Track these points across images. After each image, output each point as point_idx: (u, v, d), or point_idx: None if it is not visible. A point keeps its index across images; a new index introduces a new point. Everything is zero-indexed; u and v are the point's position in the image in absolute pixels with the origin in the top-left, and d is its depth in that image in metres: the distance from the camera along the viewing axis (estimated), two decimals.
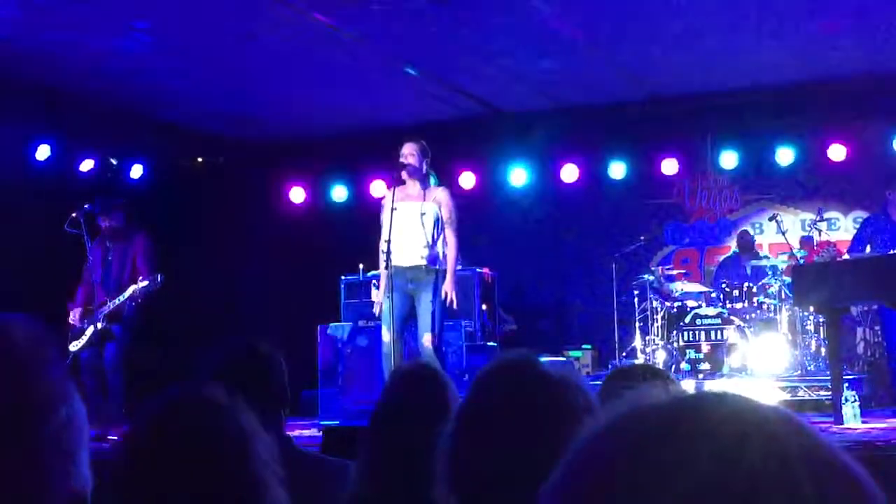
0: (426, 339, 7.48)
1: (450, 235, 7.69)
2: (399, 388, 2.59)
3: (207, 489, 1.46)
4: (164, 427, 1.53)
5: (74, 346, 8.49)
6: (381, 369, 8.04)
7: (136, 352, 8.80)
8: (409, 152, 7.64)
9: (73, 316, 8.62)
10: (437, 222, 7.64)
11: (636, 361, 10.51)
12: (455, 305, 7.64)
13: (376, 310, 7.76)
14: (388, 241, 7.41)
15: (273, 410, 3.18)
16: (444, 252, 7.67)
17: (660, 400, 0.74)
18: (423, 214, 7.56)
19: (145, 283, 8.35)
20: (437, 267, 7.58)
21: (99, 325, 8.45)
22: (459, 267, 8.10)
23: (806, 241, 10.95)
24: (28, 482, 1.10)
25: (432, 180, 7.78)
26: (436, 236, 7.62)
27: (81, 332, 8.53)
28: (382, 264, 7.56)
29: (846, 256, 9.04)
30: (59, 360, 1.19)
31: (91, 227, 8.56)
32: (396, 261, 7.51)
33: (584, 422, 1.68)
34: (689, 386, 9.49)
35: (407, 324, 7.70)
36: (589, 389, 1.79)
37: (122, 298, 8.38)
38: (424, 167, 7.68)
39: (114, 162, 8.89)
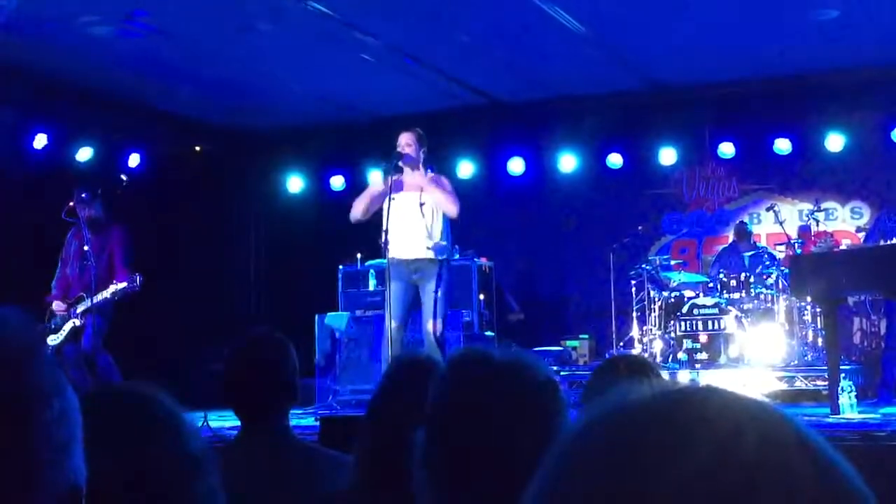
0: (430, 326, 7.49)
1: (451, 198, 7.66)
2: (397, 379, 2.59)
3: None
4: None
5: (53, 340, 8.38)
6: (379, 359, 8.05)
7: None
8: (405, 142, 7.62)
9: (56, 308, 8.49)
10: (438, 211, 7.63)
11: (633, 351, 10.52)
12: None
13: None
14: (386, 231, 7.40)
15: (273, 403, 3.20)
16: (448, 241, 7.66)
17: (648, 394, 0.74)
18: (422, 205, 7.54)
19: (123, 284, 8.17)
20: (441, 257, 7.57)
21: (77, 322, 8.34)
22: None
23: (803, 231, 10.95)
24: (22, 476, 1.11)
25: (429, 170, 7.76)
26: (438, 227, 7.60)
27: (59, 326, 8.41)
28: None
29: (843, 246, 9.05)
30: (50, 352, 1.19)
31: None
32: (399, 253, 7.50)
33: (548, 397, 1.70)
34: (685, 377, 9.50)
35: (410, 313, 7.69)
36: (546, 367, 1.81)
37: (99, 298, 8.21)
38: (422, 156, 7.67)
39: (124, 178, 8.73)
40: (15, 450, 1.09)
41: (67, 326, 8.36)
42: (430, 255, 7.52)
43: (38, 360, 1.15)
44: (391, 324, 7.49)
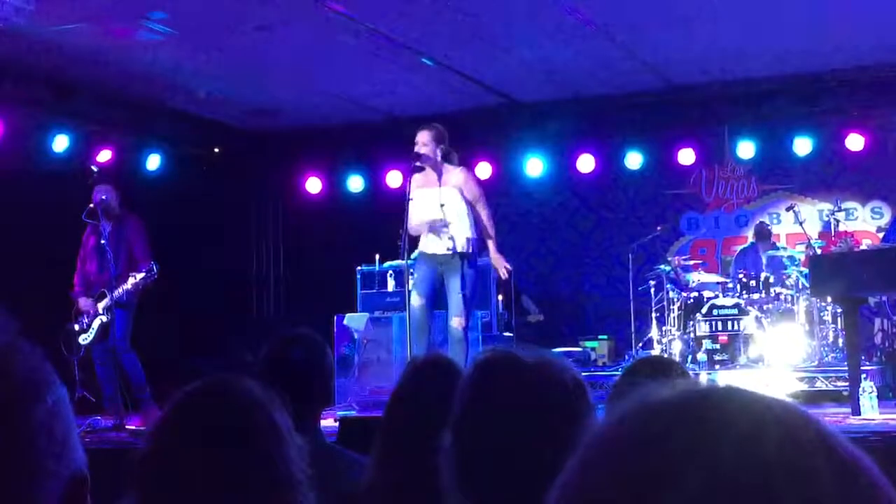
0: (455, 322, 7.48)
1: (482, 210, 7.70)
2: (414, 379, 2.59)
3: (237, 483, 1.46)
4: (181, 421, 1.53)
5: (84, 340, 8.44)
6: (399, 359, 8.04)
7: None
8: (422, 141, 7.62)
9: (83, 306, 8.52)
10: (462, 207, 7.61)
11: (652, 352, 10.49)
12: (505, 275, 7.72)
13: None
14: (405, 231, 7.39)
15: (310, 405, 3.20)
16: (473, 236, 7.65)
17: (671, 394, 0.74)
18: (443, 205, 7.54)
19: (142, 274, 8.21)
20: (466, 251, 7.56)
21: (104, 319, 8.38)
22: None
23: (823, 231, 10.90)
24: (25, 474, 1.12)
25: (450, 164, 7.73)
26: (461, 222, 7.59)
27: (89, 324, 8.46)
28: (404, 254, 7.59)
29: (863, 246, 9.01)
30: (35, 346, 1.20)
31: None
32: (423, 248, 7.52)
33: (575, 398, 1.70)
34: (704, 378, 9.46)
35: (436, 297, 7.67)
36: (573, 368, 1.80)
37: (120, 292, 8.25)
38: (440, 153, 7.64)
39: (94, 169, 8.77)
40: (18, 446, 1.10)
41: (95, 324, 8.41)
42: (453, 250, 7.51)
43: (25, 357, 1.16)
44: (414, 300, 7.47)
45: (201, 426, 1.51)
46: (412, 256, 7.55)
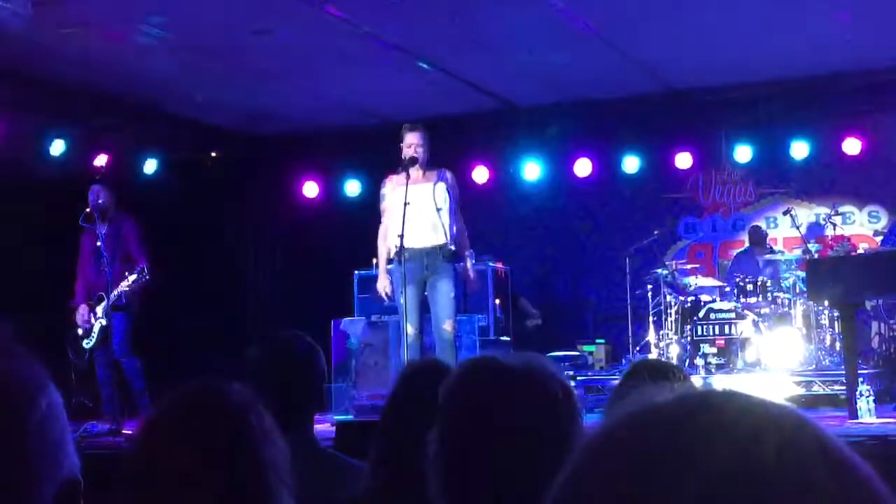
0: (447, 325, 7.45)
1: (458, 210, 7.75)
2: (409, 385, 2.59)
3: (221, 485, 1.46)
4: (169, 423, 1.53)
5: (87, 344, 8.43)
6: (396, 364, 8.03)
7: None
8: (417, 143, 7.62)
9: (81, 314, 8.50)
10: (450, 205, 7.63)
11: (650, 356, 10.49)
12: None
13: (380, 287, 7.77)
14: (402, 237, 7.36)
15: (302, 409, 3.19)
16: (457, 236, 7.67)
17: (668, 398, 0.74)
18: (439, 209, 7.55)
19: (133, 276, 8.19)
20: (454, 247, 7.57)
21: (104, 322, 8.37)
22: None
23: (819, 234, 10.90)
24: (18, 476, 1.12)
25: (436, 170, 7.78)
26: (449, 219, 7.60)
27: (90, 329, 8.44)
28: (385, 255, 7.58)
29: (861, 250, 9.02)
30: (30, 351, 1.20)
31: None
32: (413, 243, 7.46)
33: (562, 405, 1.70)
34: (699, 382, 9.46)
35: (424, 316, 7.66)
36: (559, 373, 1.79)
37: (115, 294, 8.24)
38: (427, 152, 7.71)
39: (96, 164, 8.82)
40: (9, 451, 1.10)
41: (96, 328, 8.39)
42: (444, 245, 7.50)
43: (19, 360, 1.16)
44: (409, 330, 7.44)
45: (187, 428, 1.52)
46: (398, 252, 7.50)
